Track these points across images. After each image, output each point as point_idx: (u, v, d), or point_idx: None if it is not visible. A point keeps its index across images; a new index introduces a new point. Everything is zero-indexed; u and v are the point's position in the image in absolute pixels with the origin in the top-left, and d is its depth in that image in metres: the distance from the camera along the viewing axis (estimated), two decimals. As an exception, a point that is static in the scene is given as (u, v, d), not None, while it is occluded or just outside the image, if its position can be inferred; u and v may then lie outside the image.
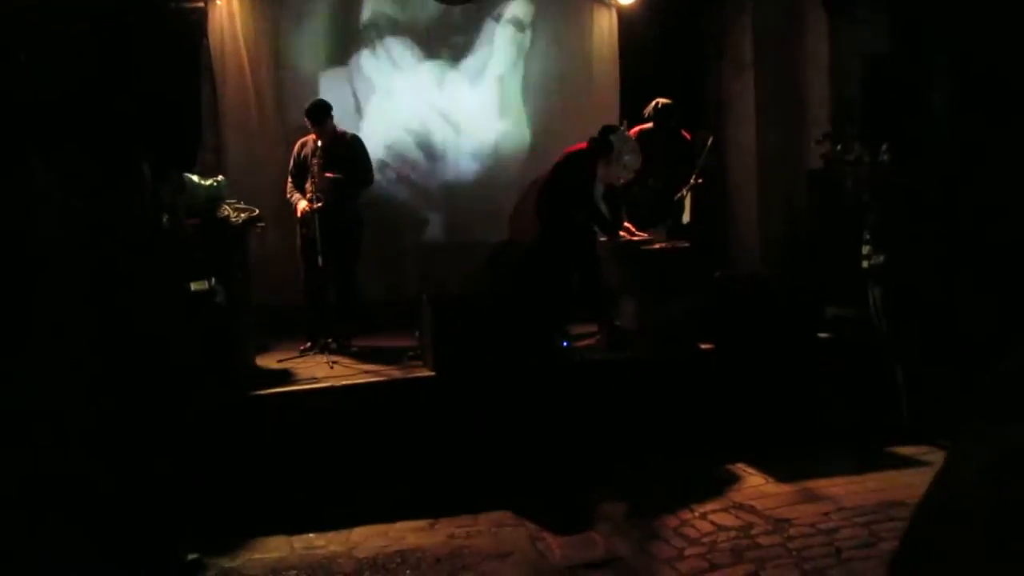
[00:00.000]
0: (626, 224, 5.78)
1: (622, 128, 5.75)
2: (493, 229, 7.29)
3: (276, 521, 4.12)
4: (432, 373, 4.90)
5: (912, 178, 4.89)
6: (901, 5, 6.26)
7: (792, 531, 3.85)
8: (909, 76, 6.07)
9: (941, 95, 5.83)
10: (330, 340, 5.61)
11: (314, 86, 6.81)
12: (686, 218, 6.04)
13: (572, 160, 5.72)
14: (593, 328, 5.76)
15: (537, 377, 4.94)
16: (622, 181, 5.64)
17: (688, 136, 6.48)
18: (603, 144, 5.53)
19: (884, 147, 4.99)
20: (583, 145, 5.75)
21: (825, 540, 3.75)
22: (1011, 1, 5.62)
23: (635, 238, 5.66)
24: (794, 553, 3.64)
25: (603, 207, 5.86)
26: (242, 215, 5.13)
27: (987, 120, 5.50)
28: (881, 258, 4.93)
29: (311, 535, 4.04)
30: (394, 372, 5.08)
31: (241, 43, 6.64)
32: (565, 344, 5.48)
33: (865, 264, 5.07)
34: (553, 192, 5.72)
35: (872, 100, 6.33)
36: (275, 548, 3.94)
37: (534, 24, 7.42)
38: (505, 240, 7.24)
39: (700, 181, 5.97)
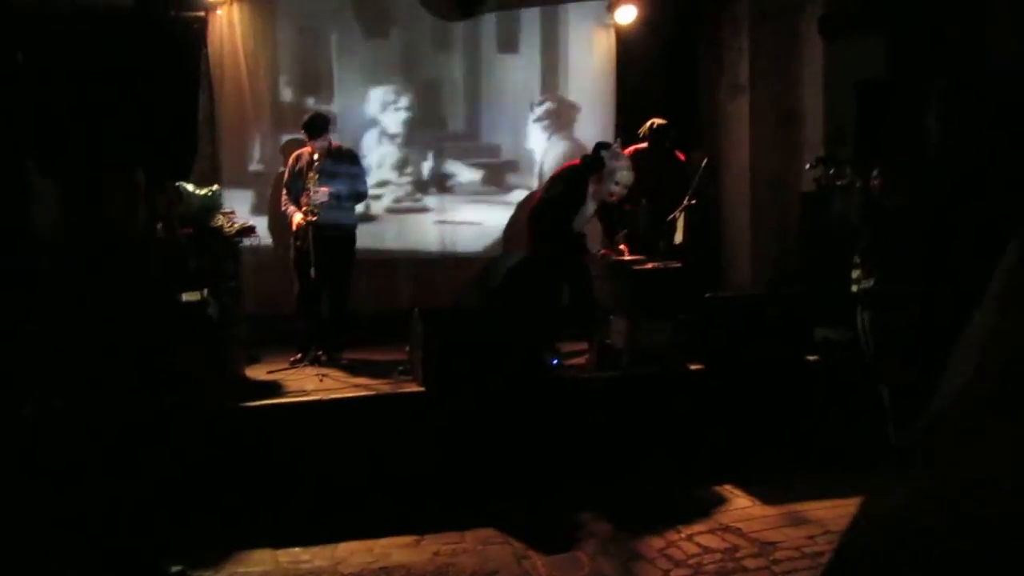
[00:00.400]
0: (621, 247, 5.81)
1: (615, 145, 5.78)
2: (487, 243, 7.33)
3: (262, 534, 4.11)
4: (422, 388, 4.90)
5: (902, 203, 4.92)
6: (897, 30, 6.32)
7: (778, 554, 3.85)
8: (903, 101, 6.13)
9: (934, 120, 5.88)
10: (320, 352, 5.61)
11: (312, 98, 6.85)
12: (679, 238, 6.06)
13: (565, 175, 5.77)
14: (584, 346, 5.77)
15: (526, 394, 4.94)
16: (614, 198, 5.67)
17: (683, 157, 6.51)
18: (595, 160, 5.57)
19: (875, 172, 5.03)
20: (577, 161, 5.78)
21: (811, 564, 3.76)
22: (1007, 29, 5.69)
23: (628, 259, 5.69)
24: (779, 577, 3.65)
25: (595, 223, 5.89)
26: (236, 225, 5.15)
27: (981, 146, 5.56)
28: (871, 282, 4.96)
29: (296, 549, 4.03)
30: (383, 386, 5.08)
31: (240, 53, 6.66)
32: (555, 361, 5.49)
33: (854, 288, 5.10)
34: (546, 207, 5.76)
35: (865, 124, 6.39)
36: (260, 562, 3.93)
37: (534, 42, 7.47)
38: (498, 254, 7.27)
39: (694, 202, 6.00)
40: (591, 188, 5.59)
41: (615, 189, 5.54)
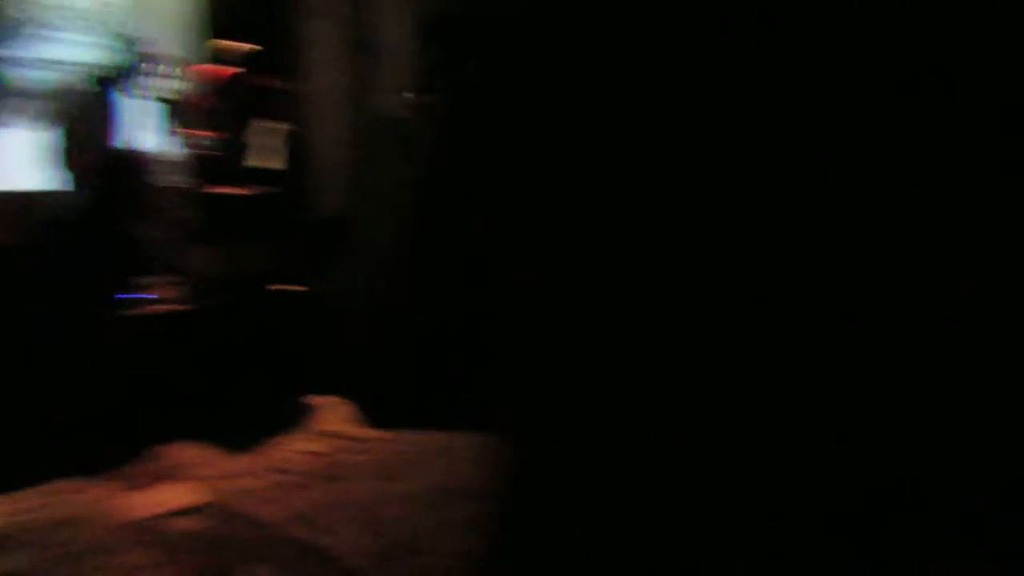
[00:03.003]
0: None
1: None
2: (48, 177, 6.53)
3: None
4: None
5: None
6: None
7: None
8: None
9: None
10: None
11: None
12: (278, 164, 6.06)
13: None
14: (173, 279, 5.53)
15: (102, 336, 4.60)
16: None
17: (274, 84, 6.43)
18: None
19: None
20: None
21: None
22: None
23: (221, 190, 5.56)
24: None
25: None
26: None
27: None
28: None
29: None
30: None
31: None
32: (140, 296, 5.16)
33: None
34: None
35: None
36: None
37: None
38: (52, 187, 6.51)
39: (288, 128, 6.02)
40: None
41: None
